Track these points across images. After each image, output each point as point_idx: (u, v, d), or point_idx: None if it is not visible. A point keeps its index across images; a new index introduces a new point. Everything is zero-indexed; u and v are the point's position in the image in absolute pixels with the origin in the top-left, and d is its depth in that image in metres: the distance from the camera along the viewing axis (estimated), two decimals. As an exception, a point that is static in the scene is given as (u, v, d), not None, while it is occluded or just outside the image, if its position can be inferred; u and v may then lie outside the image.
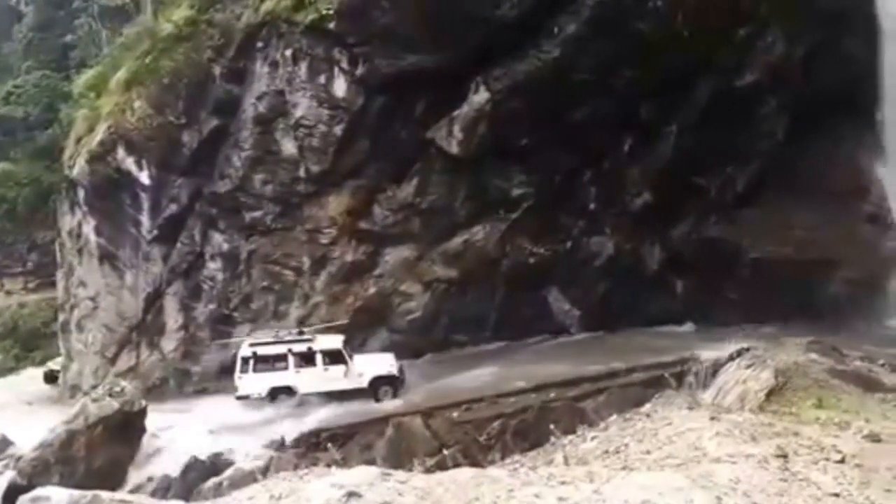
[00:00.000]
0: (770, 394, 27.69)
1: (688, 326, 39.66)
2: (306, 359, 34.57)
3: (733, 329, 37.06)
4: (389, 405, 33.74)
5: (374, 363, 35.37)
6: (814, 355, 30.21)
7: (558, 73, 37.62)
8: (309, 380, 34.33)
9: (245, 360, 34.42)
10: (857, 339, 33.97)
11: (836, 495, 18.03)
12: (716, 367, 32.47)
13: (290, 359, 34.47)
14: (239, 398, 34.68)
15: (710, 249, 40.31)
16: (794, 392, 27.47)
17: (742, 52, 38.71)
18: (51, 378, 46.87)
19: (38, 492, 22.61)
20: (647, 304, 39.81)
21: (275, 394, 34.30)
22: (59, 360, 46.80)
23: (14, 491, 27.03)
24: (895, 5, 36.91)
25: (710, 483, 17.84)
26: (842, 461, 19.95)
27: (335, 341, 35.32)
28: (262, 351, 34.48)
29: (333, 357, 34.64)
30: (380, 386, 34.40)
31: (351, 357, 35.12)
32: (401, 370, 35.29)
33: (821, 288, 37.81)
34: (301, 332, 35.71)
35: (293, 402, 34.08)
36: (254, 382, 34.37)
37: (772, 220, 39.21)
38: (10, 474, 29.51)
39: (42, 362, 53.13)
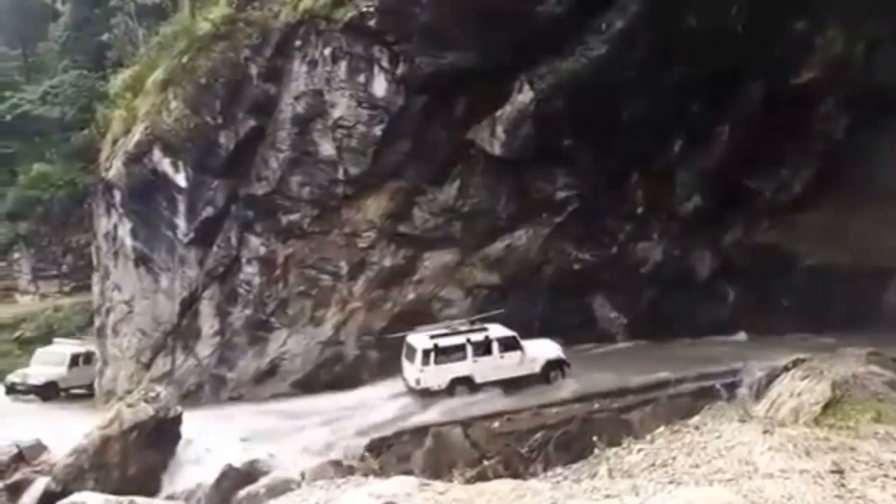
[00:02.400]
0: (826, 407, 27.03)
1: (740, 336, 39.15)
2: (483, 348, 34.48)
3: (788, 339, 36.54)
4: (565, 390, 33.96)
5: (543, 348, 35.50)
6: (873, 367, 29.50)
7: (605, 71, 36.93)
8: (486, 368, 34.31)
9: (426, 353, 33.97)
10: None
11: (895, 513, 17.07)
12: (769, 379, 32.13)
13: (469, 348, 34.33)
14: (418, 392, 34.35)
15: (763, 256, 39.78)
16: (851, 405, 26.78)
17: (799, 48, 38.03)
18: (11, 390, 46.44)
19: (74, 497, 22.53)
20: (696, 312, 39.09)
21: (454, 385, 34.14)
22: (23, 370, 47.42)
23: (49, 497, 27.16)
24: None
25: (761, 499, 17.23)
26: (901, 478, 18.97)
27: (504, 329, 35.27)
28: (442, 342, 34.24)
29: (508, 344, 34.60)
30: (550, 370, 34.78)
31: None
32: None
33: (880, 297, 37.20)
34: (472, 322, 35.83)
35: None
36: (435, 374, 34.01)
37: (829, 226, 38.51)
38: (44, 480, 28.95)
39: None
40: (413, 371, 34.22)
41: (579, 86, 37.07)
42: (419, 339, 34.72)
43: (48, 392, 45.50)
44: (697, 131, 38.92)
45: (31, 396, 45.19)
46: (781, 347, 34.62)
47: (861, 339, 33.49)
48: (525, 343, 35.00)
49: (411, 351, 34.68)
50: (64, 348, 48.16)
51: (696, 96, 37.71)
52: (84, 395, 46.16)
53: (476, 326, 35.39)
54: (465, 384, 34.11)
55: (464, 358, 34.18)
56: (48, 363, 46.68)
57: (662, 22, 36.06)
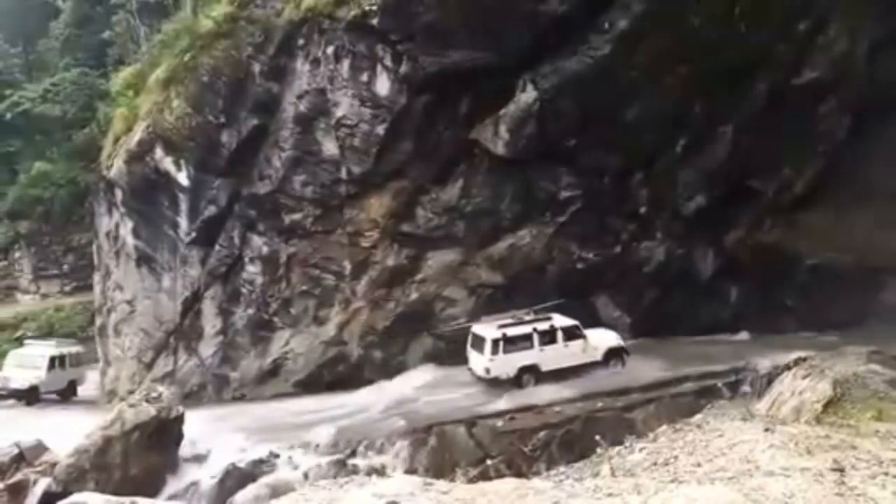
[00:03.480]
0: (827, 405, 26.96)
1: (742, 335, 39.34)
2: (548, 337, 35.15)
3: (790, 338, 36.64)
4: (623, 377, 34.87)
5: (604, 337, 36.49)
6: (874, 366, 29.43)
7: (608, 70, 36.74)
8: (551, 357, 34.99)
9: (495, 343, 34.57)
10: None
11: (895, 511, 17.05)
12: (771, 377, 32.13)
13: (535, 338, 34.94)
14: (486, 381, 35.03)
15: (766, 255, 39.75)
16: (852, 404, 26.71)
17: (802, 48, 37.96)
18: None
19: (75, 498, 22.35)
20: (699, 311, 39.25)
21: (521, 373, 34.78)
22: None
23: (50, 497, 26.96)
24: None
25: (763, 497, 17.16)
26: (901, 476, 18.92)
27: (567, 318, 35.93)
28: (510, 332, 34.84)
29: (571, 333, 35.38)
30: (611, 358, 35.76)
31: None
32: None
33: (883, 296, 37.04)
34: (536, 312, 36.29)
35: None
36: (504, 364, 34.67)
37: (831, 225, 38.56)
38: (45, 480, 28.83)
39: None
40: (482, 361, 34.92)
41: (583, 85, 36.91)
42: (487, 330, 35.32)
43: (31, 396, 43.34)
44: (700, 131, 38.80)
45: (11, 402, 43.00)
46: (784, 346, 34.69)
47: (863, 337, 33.55)
48: (587, 332, 35.85)
49: (479, 341, 35.35)
50: (42, 350, 45.94)
51: (699, 96, 37.55)
52: (56, 400, 44.83)
53: (541, 316, 35.95)
54: (532, 373, 34.81)
55: (530, 347, 34.83)
56: (25, 366, 44.35)
57: (666, 22, 35.91)
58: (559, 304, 36.85)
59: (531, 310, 36.37)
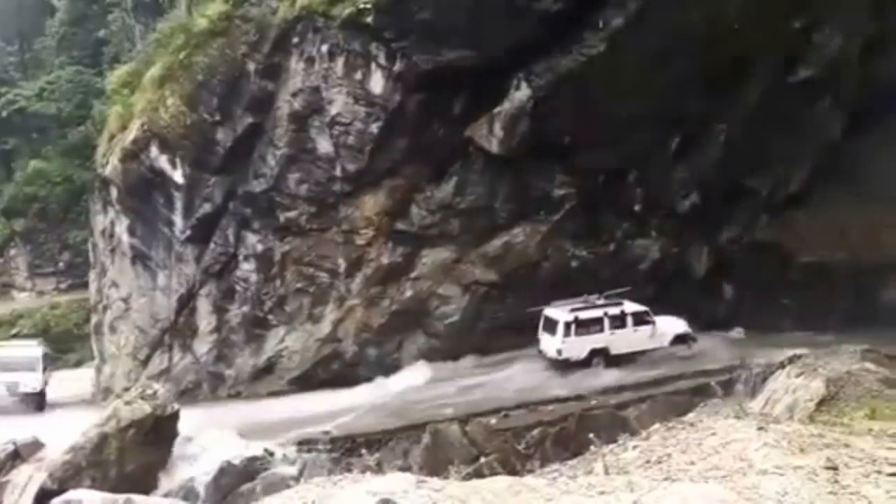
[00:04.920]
0: (821, 404, 26.66)
1: (737, 332, 39.25)
2: (619, 321, 36.29)
3: (785, 336, 36.49)
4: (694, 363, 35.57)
5: (672, 324, 37.28)
6: (868, 364, 29.17)
7: (603, 68, 36.66)
8: (621, 341, 36.25)
9: (568, 325, 35.62)
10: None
11: (888, 509, 16.97)
12: (765, 376, 31.68)
13: (606, 321, 36.08)
14: (558, 362, 36.11)
15: (760, 253, 39.79)
16: (846, 402, 26.47)
17: (796, 46, 37.92)
18: None
19: (70, 495, 22.42)
20: (694, 309, 38.90)
21: (592, 356, 35.92)
22: None
23: (45, 495, 26.86)
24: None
25: (756, 496, 16.84)
26: (895, 474, 18.84)
27: (637, 304, 37.01)
28: (583, 315, 35.93)
29: (641, 318, 36.57)
30: (678, 344, 36.93)
31: None
32: None
33: (878, 294, 37.04)
34: (608, 297, 37.01)
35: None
36: (575, 346, 35.79)
37: (826, 223, 38.46)
38: (41, 478, 28.76)
39: (77, 364, 52.62)
40: (554, 343, 35.92)
41: (577, 83, 36.84)
42: (559, 313, 36.17)
43: (42, 401, 39.76)
44: (695, 129, 38.75)
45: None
46: (778, 344, 34.45)
47: (859, 336, 33.36)
48: (656, 318, 36.79)
49: (551, 324, 36.26)
50: (33, 351, 41.08)
51: (693, 94, 37.35)
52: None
53: (612, 301, 36.76)
54: (602, 355, 36.02)
55: (601, 330, 36.07)
56: (18, 369, 39.10)
57: (660, 20, 35.79)
58: (628, 291, 37.37)
59: (602, 295, 37.06)
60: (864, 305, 36.14)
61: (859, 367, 28.65)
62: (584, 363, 35.73)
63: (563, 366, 35.86)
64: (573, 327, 35.60)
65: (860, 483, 18.20)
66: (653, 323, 36.52)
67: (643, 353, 36.40)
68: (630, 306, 36.60)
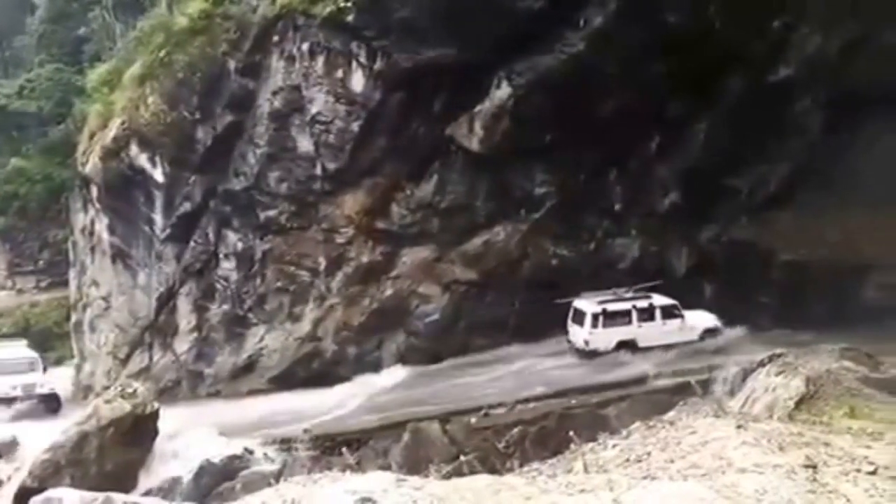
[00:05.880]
0: (800, 402, 26.81)
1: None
2: (647, 314, 36.97)
3: (765, 334, 36.49)
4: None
5: (702, 318, 37.86)
6: (847, 363, 29.32)
7: (584, 67, 36.83)
8: (649, 333, 36.79)
9: (595, 317, 36.39)
10: (895, 346, 32.75)
11: (867, 508, 17.05)
12: (745, 374, 31.72)
13: (634, 314, 36.83)
14: (586, 353, 36.82)
15: (740, 252, 39.80)
16: (825, 401, 26.60)
17: (776, 46, 37.97)
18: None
19: (50, 493, 21.95)
20: (674, 307, 38.82)
21: (619, 347, 36.57)
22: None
23: (25, 493, 26.32)
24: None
25: (735, 494, 17.01)
26: (874, 473, 18.99)
27: (666, 298, 37.53)
28: (611, 307, 36.64)
29: (669, 312, 37.13)
30: (707, 338, 37.22)
31: None
32: None
33: (857, 293, 37.32)
34: (637, 290, 37.74)
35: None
36: (602, 337, 36.49)
37: (806, 222, 38.44)
38: (20, 476, 28.86)
39: (57, 363, 52.26)
40: (582, 333, 36.78)
41: (557, 82, 36.93)
42: (588, 304, 36.91)
43: (57, 403, 37.84)
44: (675, 128, 38.87)
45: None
46: (758, 343, 34.72)
47: (838, 335, 33.44)
48: (686, 312, 37.35)
49: (580, 315, 37.02)
50: (29, 351, 39.77)
51: (673, 93, 37.52)
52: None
53: (641, 294, 37.49)
54: (629, 347, 36.56)
55: (629, 322, 36.80)
56: (24, 370, 37.57)
57: (640, 19, 35.92)
58: (659, 285, 37.78)
59: (632, 288, 37.74)
60: (843, 304, 36.22)
61: (839, 366, 28.76)
62: (612, 354, 36.38)
63: (590, 356, 36.50)
64: (601, 319, 36.30)
65: (839, 481, 18.31)
66: (682, 316, 37.08)
67: (673, 346, 36.64)
68: (659, 299, 37.19)
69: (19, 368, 37.59)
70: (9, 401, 35.93)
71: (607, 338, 36.45)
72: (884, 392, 27.00)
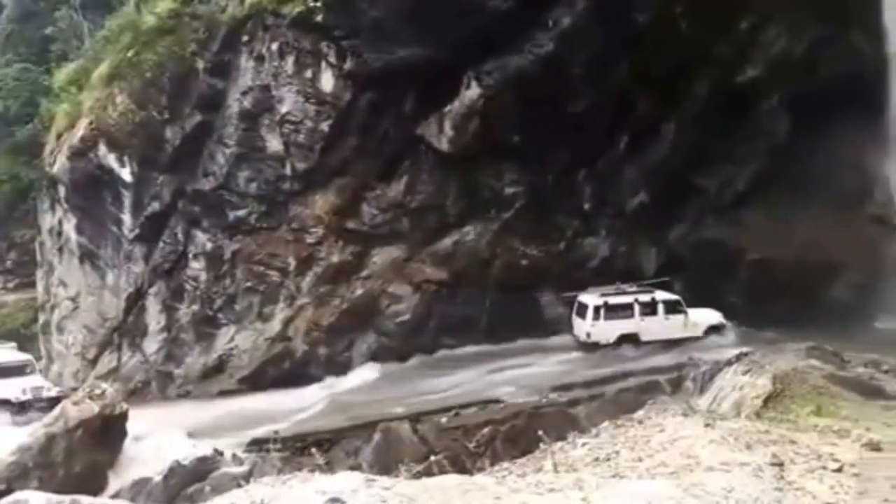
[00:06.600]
0: (767, 400, 27.07)
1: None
2: (649, 308, 37.23)
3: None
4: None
5: (706, 315, 37.96)
6: (814, 361, 29.59)
7: (553, 67, 37.19)
8: (651, 327, 37.16)
9: (597, 310, 36.76)
10: (861, 344, 33.22)
11: (832, 505, 17.21)
12: (713, 373, 31.88)
13: (636, 308, 37.14)
14: (586, 345, 37.31)
15: (708, 251, 40.06)
16: (791, 399, 26.86)
17: (743, 46, 38.49)
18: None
19: (17, 496, 21.69)
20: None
21: (621, 340, 36.96)
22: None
23: None
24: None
25: (703, 492, 17.09)
26: (839, 470, 19.21)
27: (670, 293, 37.96)
28: (612, 301, 36.96)
29: (672, 307, 37.43)
30: (712, 334, 37.38)
31: None
32: None
33: (823, 291, 37.84)
34: (641, 285, 38.14)
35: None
36: (604, 330, 36.94)
37: (773, 222, 38.83)
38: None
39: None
40: (584, 326, 37.20)
41: (527, 82, 37.21)
42: (591, 298, 37.29)
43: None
44: (643, 128, 39.17)
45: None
46: (726, 342, 35.65)
47: (804, 333, 33.62)
48: (690, 309, 37.55)
49: (583, 308, 37.40)
50: (19, 353, 38.54)
51: (642, 94, 37.92)
52: None
53: (644, 289, 37.83)
54: (631, 341, 37.02)
55: (631, 316, 37.09)
56: (22, 373, 36.50)
57: (609, 20, 36.21)
58: (666, 282, 38.50)
59: (637, 283, 38.12)
60: (810, 303, 36.48)
61: (805, 364, 29.01)
62: (614, 347, 36.76)
63: (592, 349, 36.92)
64: (602, 312, 36.63)
65: (805, 479, 18.48)
66: (685, 313, 37.28)
67: (677, 342, 36.75)
68: (661, 295, 37.53)
69: (20, 372, 36.68)
70: (20, 405, 34.82)
71: (609, 331, 36.87)
72: (849, 390, 27.31)
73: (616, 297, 37.13)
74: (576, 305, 37.80)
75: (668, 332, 37.02)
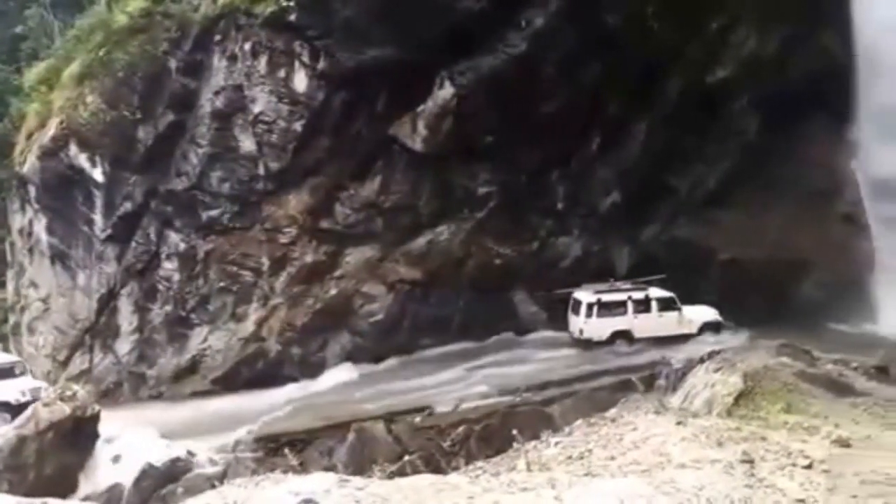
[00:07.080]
0: (738, 398, 27.25)
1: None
2: (643, 305, 37.79)
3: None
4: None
5: (701, 312, 38.47)
6: (784, 359, 29.84)
7: (525, 67, 37.25)
8: (644, 325, 37.67)
9: (590, 306, 37.25)
10: (830, 342, 33.73)
11: (802, 501, 17.47)
12: (685, 371, 32.13)
13: (629, 305, 37.67)
14: (581, 342, 37.88)
15: (680, 251, 40.34)
16: (762, 396, 27.08)
17: (713, 47, 38.81)
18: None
19: None
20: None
21: (614, 337, 37.43)
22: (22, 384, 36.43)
23: None
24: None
25: (674, 489, 17.24)
26: (809, 467, 19.46)
27: (663, 290, 38.28)
28: (606, 298, 37.50)
29: (666, 304, 37.88)
30: (707, 331, 37.83)
31: None
32: None
33: (794, 290, 38.12)
34: (636, 282, 38.70)
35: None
36: (597, 327, 37.43)
37: (744, 221, 39.23)
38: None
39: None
40: (577, 323, 37.72)
41: (500, 82, 37.25)
42: (584, 294, 37.85)
43: None
44: (615, 128, 39.38)
45: None
46: (698, 340, 36.17)
47: (775, 331, 34.00)
48: (684, 307, 37.97)
49: (577, 304, 37.93)
50: (9, 355, 38.96)
51: (613, 94, 38.08)
52: None
53: (637, 286, 38.35)
54: (625, 338, 37.51)
55: (625, 313, 37.66)
56: (16, 375, 35.82)
57: (581, 19, 36.37)
58: (662, 279, 38.63)
59: (632, 280, 38.80)
60: (780, 302, 36.83)
61: (776, 362, 29.24)
62: (607, 344, 37.18)
63: (586, 345, 37.38)
64: (595, 308, 37.07)
65: (775, 476, 18.65)
66: (679, 309, 37.65)
67: (672, 338, 37.07)
68: (655, 292, 37.98)
69: (10, 373, 35.98)
70: (20, 407, 33.45)
71: (602, 327, 37.30)
72: (819, 387, 27.58)
73: (610, 294, 37.65)
74: (571, 302, 38.22)
75: (661, 329, 37.49)
